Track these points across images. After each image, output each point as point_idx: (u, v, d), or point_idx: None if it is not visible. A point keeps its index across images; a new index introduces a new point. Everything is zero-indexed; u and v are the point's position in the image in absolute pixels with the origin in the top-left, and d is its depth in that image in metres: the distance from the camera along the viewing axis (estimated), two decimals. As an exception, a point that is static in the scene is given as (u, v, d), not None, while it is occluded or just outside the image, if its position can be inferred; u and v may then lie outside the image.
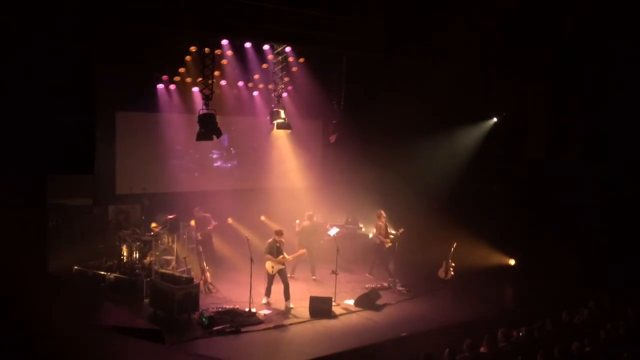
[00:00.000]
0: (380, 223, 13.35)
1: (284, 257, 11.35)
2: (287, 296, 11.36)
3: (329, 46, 12.11)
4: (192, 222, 13.50)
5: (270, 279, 11.42)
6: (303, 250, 12.29)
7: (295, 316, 10.92)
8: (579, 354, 8.10)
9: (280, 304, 11.35)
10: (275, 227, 12.57)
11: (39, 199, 8.31)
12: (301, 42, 12.16)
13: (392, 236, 13.22)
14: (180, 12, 9.42)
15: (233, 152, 15.82)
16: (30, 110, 7.72)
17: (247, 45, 13.43)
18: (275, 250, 11.34)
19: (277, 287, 11.47)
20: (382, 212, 13.45)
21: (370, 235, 15.78)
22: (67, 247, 11.74)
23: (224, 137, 13.65)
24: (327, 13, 10.71)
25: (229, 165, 15.78)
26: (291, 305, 11.29)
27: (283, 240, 11.61)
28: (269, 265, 11.35)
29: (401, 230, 13.17)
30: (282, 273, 11.40)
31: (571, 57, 13.26)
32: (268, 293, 11.48)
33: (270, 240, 11.49)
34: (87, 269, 12.05)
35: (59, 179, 10.79)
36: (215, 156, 15.57)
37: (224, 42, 12.92)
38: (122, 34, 11.02)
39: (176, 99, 13.86)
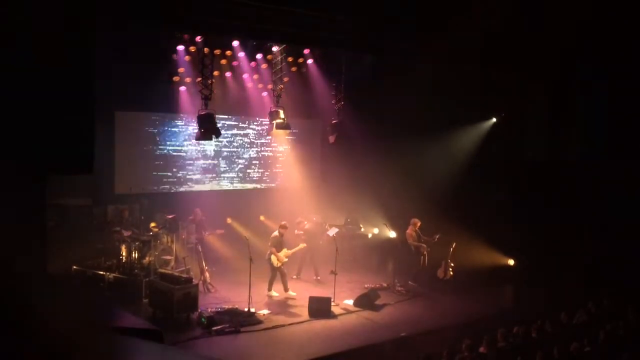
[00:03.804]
0: (410, 232, 13.05)
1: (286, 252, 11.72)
2: (286, 287, 11.71)
3: (328, 46, 12.11)
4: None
5: (275, 272, 11.61)
6: (304, 245, 12.43)
7: (294, 316, 10.92)
8: (578, 354, 8.09)
9: (280, 305, 11.38)
10: (275, 227, 12.54)
11: (38, 198, 8.27)
12: (300, 43, 12.15)
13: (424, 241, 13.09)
14: (178, 12, 9.41)
15: (232, 152, 15.80)
16: (29, 109, 7.70)
17: (246, 45, 13.40)
18: (280, 244, 11.68)
19: (276, 288, 11.50)
20: (416, 221, 13.11)
21: (370, 235, 15.80)
22: (66, 247, 11.66)
23: (223, 137, 13.61)
24: (326, 13, 10.71)
25: (227, 165, 15.76)
26: (293, 294, 11.62)
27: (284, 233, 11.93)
28: (274, 259, 11.53)
29: (437, 236, 13.05)
30: (282, 266, 11.70)
31: (572, 56, 13.26)
32: (271, 287, 11.76)
33: (276, 233, 11.79)
34: (86, 268, 12.02)
35: (59, 179, 10.78)
36: (215, 156, 15.56)
37: (223, 42, 12.88)
38: (122, 33, 10.99)
39: (176, 99, 13.84)
